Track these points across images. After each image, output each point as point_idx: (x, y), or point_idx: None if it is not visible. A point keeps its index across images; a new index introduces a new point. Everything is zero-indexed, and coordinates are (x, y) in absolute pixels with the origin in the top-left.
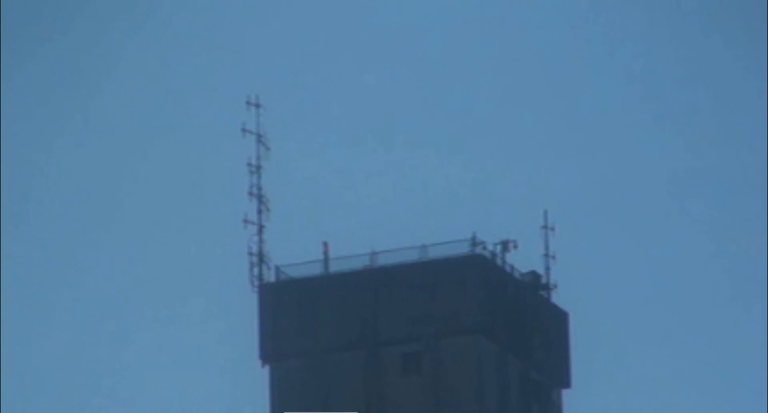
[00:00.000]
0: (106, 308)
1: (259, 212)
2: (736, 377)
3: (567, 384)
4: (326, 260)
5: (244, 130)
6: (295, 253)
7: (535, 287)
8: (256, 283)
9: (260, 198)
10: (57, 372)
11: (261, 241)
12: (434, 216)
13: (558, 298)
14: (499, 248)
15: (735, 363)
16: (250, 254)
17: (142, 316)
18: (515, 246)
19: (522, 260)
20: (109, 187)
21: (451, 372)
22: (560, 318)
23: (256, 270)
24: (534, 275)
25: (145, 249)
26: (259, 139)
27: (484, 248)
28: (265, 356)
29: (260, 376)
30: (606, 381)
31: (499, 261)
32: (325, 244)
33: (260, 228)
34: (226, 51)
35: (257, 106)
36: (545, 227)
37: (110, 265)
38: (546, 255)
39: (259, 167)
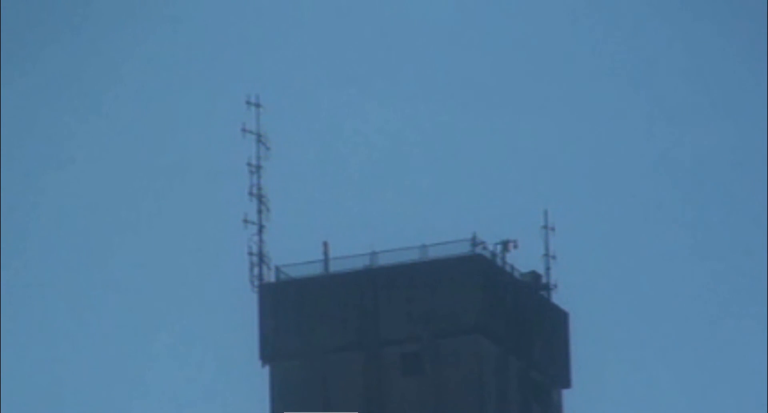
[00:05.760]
0: (105, 308)
1: (259, 212)
2: (736, 377)
3: (567, 384)
4: (326, 260)
5: (244, 130)
6: (295, 253)
7: (535, 287)
8: (256, 283)
9: (260, 198)
10: (56, 372)
11: (261, 241)
12: (434, 216)
13: (558, 298)
14: (499, 248)
15: (735, 362)
16: (250, 254)
17: (142, 316)
18: (515, 246)
19: (522, 260)
20: (109, 186)
21: (451, 372)
22: (560, 318)
23: (256, 270)
24: (534, 275)
25: (144, 249)
26: (259, 139)
27: (484, 248)
28: (265, 356)
29: (260, 376)
30: (606, 381)
31: (499, 261)
32: (325, 244)
33: (260, 228)
34: (226, 51)
35: (257, 106)
36: (545, 227)
37: (110, 265)
38: (546, 255)
39: (259, 167)
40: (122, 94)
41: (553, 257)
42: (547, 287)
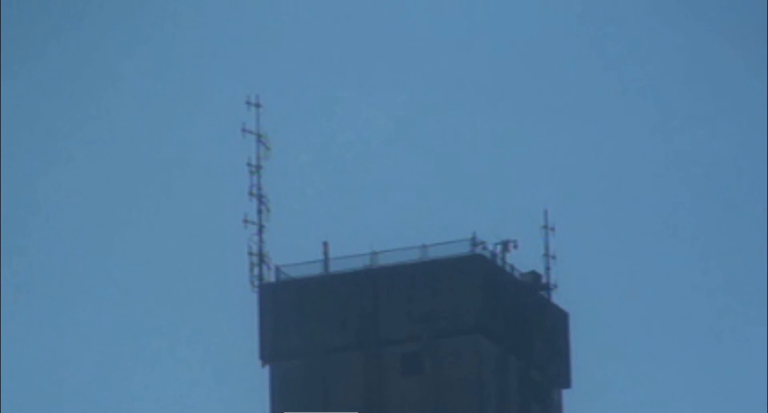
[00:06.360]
0: (106, 308)
1: (259, 212)
2: (736, 377)
3: (567, 384)
4: (326, 260)
5: (244, 130)
6: (295, 253)
7: (535, 287)
8: (256, 283)
9: (260, 198)
10: (55, 372)
11: (261, 241)
12: (434, 216)
13: (558, 298)
14: (499, 248)
15: (735, 362)
16: (250, 254)
17: (142, 316)
18: (515, 246)
19: (522, 260)
20: (109, 187)
21: (451, 372)
22: (560, 318)
23: (256, 270)
24: (534, 275)
25: (145, 249)
26: (259, 139)
27: (484, 248)
28: (265, 356)
29: (260, 376)
30: (606, 381)
31: (499, 261)
32: (325, 244)
33: (260, 228)
34: (226, 51)
35: (257, 106)
36: (545, 227)
37: (110, 265)
38: (546, 255)
39: (259, 167)
40: (122, 94)
41: (553, 257)
42: (547, 287)
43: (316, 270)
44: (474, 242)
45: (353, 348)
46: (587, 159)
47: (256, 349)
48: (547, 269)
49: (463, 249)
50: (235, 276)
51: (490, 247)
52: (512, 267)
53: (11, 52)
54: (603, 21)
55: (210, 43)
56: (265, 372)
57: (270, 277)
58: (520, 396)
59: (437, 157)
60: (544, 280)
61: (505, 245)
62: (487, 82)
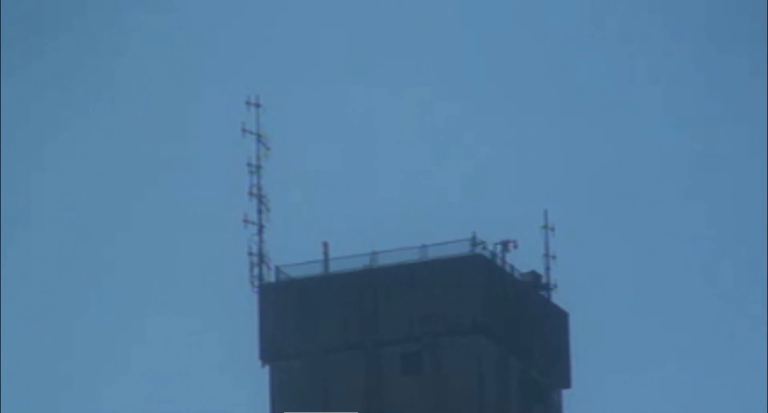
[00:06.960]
0: (105, 308)
1: (259, 212)
2: (737, 377)
3: (567, 384)
4: (326, 260)
5: (244, 130)
6: (295, 253)
7: (535, 287)
8: (256, 283)
9: (260, 198)
10: (54, 371)
11: (261, 241)
12: (434, 216)
13: (558, 298)
14: (499, 248)
15: (736, 363)
16: (250, 254)
17: (142, 316)
18: (515, 246)
19: (522, 260)
20: (109, 187)
21: (451, 372)
22: (560, 318)
23: (256, 270)
24: (534, 275)
25: (144, 249)
26: (259, 139)
27: (484, 248)
28: (265, 356)
29: (260, 376)
30: (606, 381)
31: (499, 261)
32: (325, 244)
33: (260, 228)
34: (226, 51)
35: (257, 106)
36: (545, 227)
37: (110, 265)
38: (546, 255)
39: (259, 167)
40: (121, 94)
41: (553, 257)
42: (547, 287)
43: (316, 270)
44: (474, 242)
45: (353, 348)
46: (587, 159)
47: (256, 349)
48: (547, 269)
49: (463, 249)
50: (235, 276)
51: (490, 247)
52: (512, 267)
53: (11, 52)
54: (604, 21)
55: (210, 43)
56: (265, 372)
57: (270, 277)
58: (520, 396)
59: (437, 157)
60: (544, 280)
61: (505, 245)
62: (487, 82)
